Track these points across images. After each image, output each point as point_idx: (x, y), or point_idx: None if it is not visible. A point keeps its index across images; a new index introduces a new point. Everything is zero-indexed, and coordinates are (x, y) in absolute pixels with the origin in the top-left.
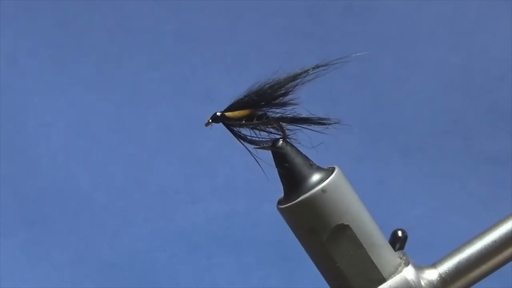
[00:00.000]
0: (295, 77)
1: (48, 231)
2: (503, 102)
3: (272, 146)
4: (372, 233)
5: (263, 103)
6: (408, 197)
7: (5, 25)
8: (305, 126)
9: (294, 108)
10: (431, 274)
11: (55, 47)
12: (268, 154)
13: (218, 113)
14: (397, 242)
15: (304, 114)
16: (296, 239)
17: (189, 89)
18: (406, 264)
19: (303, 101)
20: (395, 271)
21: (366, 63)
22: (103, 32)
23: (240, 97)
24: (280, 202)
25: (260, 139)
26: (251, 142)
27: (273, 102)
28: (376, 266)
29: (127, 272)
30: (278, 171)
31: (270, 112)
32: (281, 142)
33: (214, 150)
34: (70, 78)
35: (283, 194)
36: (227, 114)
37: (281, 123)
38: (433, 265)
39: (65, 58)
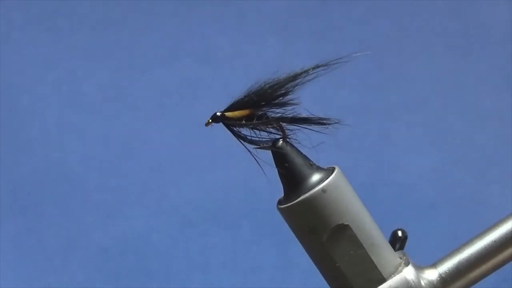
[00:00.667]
0: (295, 77)
1: (39, 216)
2: (504, 63)
3: (272, 146)
4: (372, 233)
5: (263, 103)
6: (412, 149)
7: None
8: (305, 126)
9: (294, 108)
10: (431, 274)
11: (45, 13)
12: (268, 154)
13: (218, 113)
14: (397, 242)
15: (304, 114)
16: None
17: (186, 50)
18: (406, 264)
19: (303, 101)
20: (395, 271)
21: (365, 28)
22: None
23: (240, 97)
24: (280, 202)
25: (260, 139)
26: (251, 142)
27: (273, 102)
28: (376, 266)
29: (120, 256)
30: (278, 171)
31: (270, 112)
32: (281, 142)
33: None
34: (62, 47)
35: (283, 194)
36: (227, 114)
37: (281, 123)
38: (433, 265)
39: (56, 25)
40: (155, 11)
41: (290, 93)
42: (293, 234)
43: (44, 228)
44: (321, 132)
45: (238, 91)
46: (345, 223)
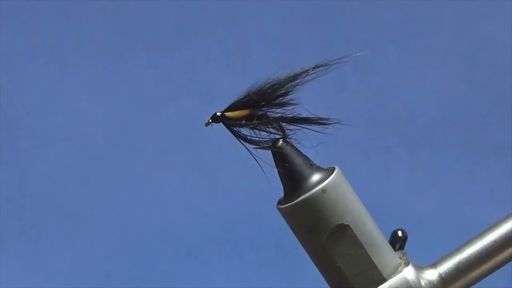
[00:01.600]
0: (295, 77)
1: (44, 241)
2: (510, 91)
3: (272, 146)
4: (372, 233)
5: (263, 103)
6: (415, 191)
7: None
8: (305, 126)
9: (294, 108)
10: (431, 274)
11: (53, 45)
12: (268, 154)
13: (218, 113)
14: (397, 242)
15: (304, 114)
16: (296, 240)
17: (190, 88)
18: (406, 264)
19: (303, 101)
20: (395, 271)
21: (371, 53)
22: (102, 28)
23: (240, 97)
24: (280, 202)
25: (260, 139)
26: (251, 142)
27: (273, 102)
28: (376, 266)
29: (124, 281)
30: (278, 171)
31: (270, 112)
32: (281, 142)
33: (214, 153)
34: (69, 80)
35: (283, 194)
36: (227, 114)
37: (281, 123)
38: (433, 265)
39: (64, 58)
40: (159, 48)
41: (290, 93)
42: (294, 235)
43: (48, 253)
44: (321, 132)
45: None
46: (345, 223)
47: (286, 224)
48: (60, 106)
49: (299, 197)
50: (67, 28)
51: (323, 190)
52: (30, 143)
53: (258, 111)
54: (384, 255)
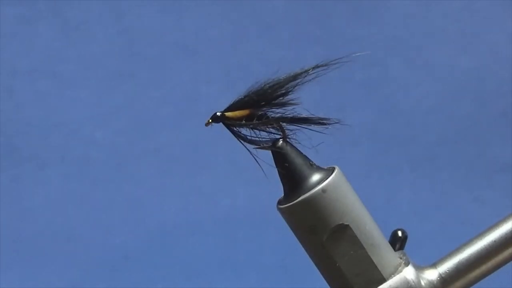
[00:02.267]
0: (295, 77)
1: (42, 262)
2: None
3: (272, 146)
4: (372, 233)
5: (263, 103)
6: (419, 211)
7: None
8: (305, 126)
9: (294, 108)
10: (431, 274)
11: (54, 64)
12: (268, 154)
13: (218, 113)
14: (397, 242)
15: (304, 114)
16: (297, 242)
17: (191, 108)
18: (406, 264)
19: (303, 101)
20: (395, 271)
21: (374, 69)
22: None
23: (240, 97)
24: (280, 202)
25: (260, 139)
26: (251, 142)
27: (273, 102)
28: (376, 266)
29: None
30: (278, 171)
31: (270, 112)
32: (281, 142)
33: (214, 173)
34: (69, 99)
35: (283, 194)
36: (227, 114)
37: (281, 123)
38: (433, 265)
39: (64, 76)
40: (160, 67)
41: (290, 93)
42: (294, 236)
43: (46, 274)
44: (321, 132)
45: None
46: (345, 223)
47: (286, 224)
48: (60, 126)
49: (299, 197)
50: (69, 47)
51: (323, 190)
52: (30, 164)
53: (258, 111)
54: (384, 255)
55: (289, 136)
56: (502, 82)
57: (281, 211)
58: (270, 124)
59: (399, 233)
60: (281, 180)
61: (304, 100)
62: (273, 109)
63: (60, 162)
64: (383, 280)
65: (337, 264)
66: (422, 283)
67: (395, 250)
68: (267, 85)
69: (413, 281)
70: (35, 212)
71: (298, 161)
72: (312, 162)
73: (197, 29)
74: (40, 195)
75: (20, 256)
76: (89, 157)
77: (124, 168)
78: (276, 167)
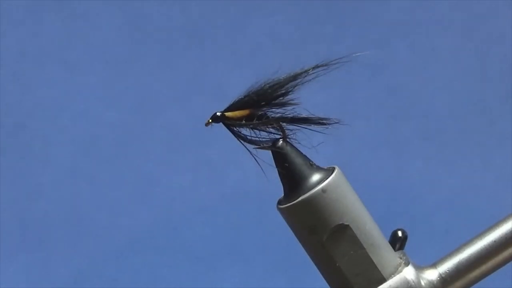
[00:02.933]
0: (295, 77)
1: (51, 250)
2: None
3: (272, 146)
4: (372, 233)
5: (263, 103)
6: (430, 181)
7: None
8: (305, 126)
9: (294, 108)
10: (431, 274)
11: (61, 47)
12: (268, 154)
13: (218, 113)
14: (397, 242)
15: (304, 114)
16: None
17: (199, 88)
18: (406, 264)
19: (303, 101)
20: (395, 271)
21: (381, 52)
22: (110, 29)
23: (240, 97)
24: (280, 202)
25: (260, 139)
26: (251, 142)
27: (273, 102)
28: (376, 266)
29: (131, 285)
30: (278, 171)
31: (270, 112)
32: (281, 142)
33: (222, 155)
34: (76, 81)
35: (283, 194)
36: (227, 114)
37: (281, 123)
38: (433, 265)
39: (72, 59)
40: (167, 49)
41: (290, 93)
42: (294, 236)
43: (55, 262)
44: (321, 132)
45: None
46: (345, 223)
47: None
48: (68, 108)
49: (299, 197)
50: (75, 30)
51: (323, 190)
52: (38, 145)
53: (258, 111)
54: (384, 255)
55: (289, 136)
56: (507, 62)
57: (281, 211)
58: (270, 124)
59: (399, 233)
60: (281, 180)
61: (304, 100)
62: (273, 109)
63: (68, 142)
64: (383, 280)
65: (337, 264)
66: (422, 283)
67: (395, 250)
68: (267, 85)
69: (413, 281)
70: (43, 192)
71: (298, 161)
72: (312, 162)
73: (202, 14)
74: (48, 175)
75: (28, 239)
76: (97, 136)
77: (132, 147)
78: (276, 167)
